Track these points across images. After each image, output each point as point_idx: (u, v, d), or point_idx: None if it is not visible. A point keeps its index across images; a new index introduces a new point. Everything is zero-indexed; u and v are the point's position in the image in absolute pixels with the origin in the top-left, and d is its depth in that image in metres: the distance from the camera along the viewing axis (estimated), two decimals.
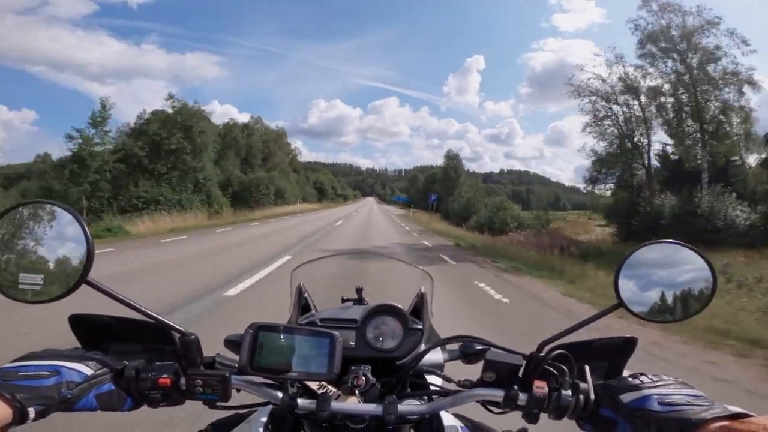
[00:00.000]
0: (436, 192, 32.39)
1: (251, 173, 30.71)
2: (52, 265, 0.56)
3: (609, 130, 16.51)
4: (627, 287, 0.61)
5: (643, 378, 0.54)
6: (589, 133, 16.70)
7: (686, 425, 0.45)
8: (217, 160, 34.36)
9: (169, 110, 20.09)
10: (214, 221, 18.22)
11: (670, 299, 0.61)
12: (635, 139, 16.19)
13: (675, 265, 0.62)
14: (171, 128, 19.50)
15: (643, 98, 15.77)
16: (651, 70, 15.30)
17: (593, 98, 16.52)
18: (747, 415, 0.43)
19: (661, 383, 0.52)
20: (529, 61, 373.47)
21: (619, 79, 16.03)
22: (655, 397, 0.50)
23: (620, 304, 0.60)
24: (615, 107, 16.31)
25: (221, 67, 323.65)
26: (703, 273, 0.60)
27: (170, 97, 20.75)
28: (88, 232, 0.55)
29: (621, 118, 16.31)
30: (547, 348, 0.61)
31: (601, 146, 17.00)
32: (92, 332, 0.63)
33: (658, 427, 0.48)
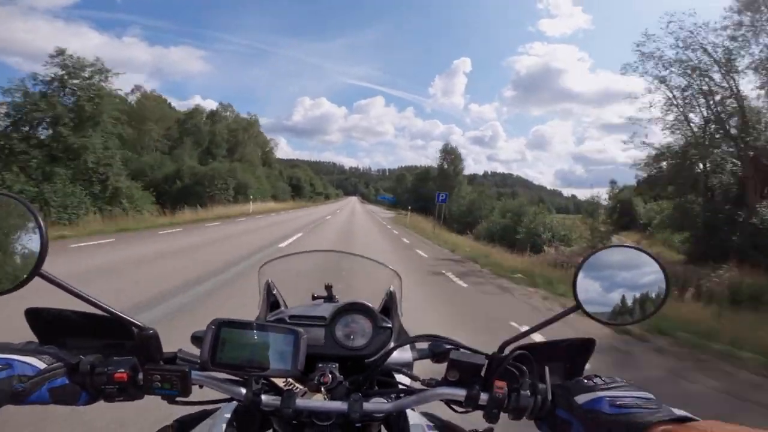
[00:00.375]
0: (428, 192, 26.98)
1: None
2: (3, 257, 0.58)
3: (690, 114, 13.44)
4: (588, 289, 0.65)
5: (597, 380, 0.59)
6: (668, 113, 13.51)
7: (633, 428, 0.50)
8: (171, 148, 28.66)
9: (59, 71, 14.04)
10: (79, 231, 11.48)
11: (629, 301, 0.66)
12: (732, 125, 12.91)
13: (634, 269, 0.67)
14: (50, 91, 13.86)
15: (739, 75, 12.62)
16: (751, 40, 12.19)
17: (673, 69, 13.27)
18: (691, 419, 0.49)
19: (613, 385, 0.58)
20: (515, 64, 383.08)
21: (704, 51, 12.88)
22: (607, 399, 0.55)
23: (578, 306, 0.65)
24: (700, 83, 13.18)
25: (205, 62, 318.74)
26: (658, 276, 0.65)
27: (60, 52, 14.12)
28: (42, 223, 0.57)
29: (712, 100, 13.06)
30: (509, 348, 0.65)
31: (663, 136, 13.88)
32: (49, 326, 0.66)
33: (608, 429, 0.53)
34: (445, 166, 39.77)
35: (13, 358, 0.55)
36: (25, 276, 0.55)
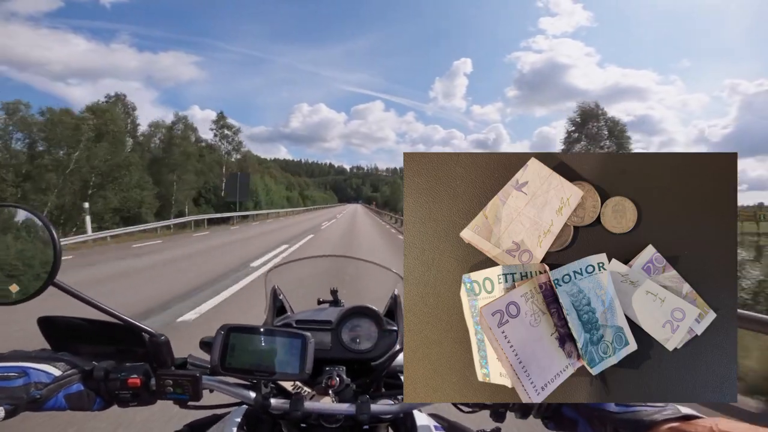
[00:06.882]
0: None
1: None
2: (18, 267, 0.62)
3: None
4: None
5: None
6: None
7: (639, 426, 0.53)
8: None
9: None
10: None
11: None
12: None
13: None
14: None
15: None
16: None
17: None
18: (696, 417, 0.51)
19: None
20: (517, 62, 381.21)
21: None
22: None
23: None
24: None
25: (199, 68, 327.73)
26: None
27: None
28: (55, 234, 0.61)
29: None
30: None
31: None
32: (61, 334, 0.69)
33: (614, 428, 0.56)
34: None
35: (28, 366, 0.59)
36: (40, 285, 0.59)
